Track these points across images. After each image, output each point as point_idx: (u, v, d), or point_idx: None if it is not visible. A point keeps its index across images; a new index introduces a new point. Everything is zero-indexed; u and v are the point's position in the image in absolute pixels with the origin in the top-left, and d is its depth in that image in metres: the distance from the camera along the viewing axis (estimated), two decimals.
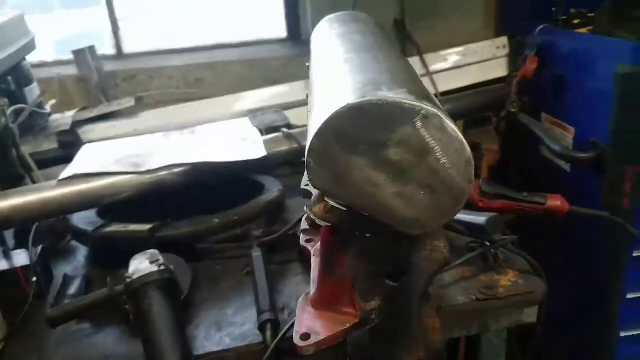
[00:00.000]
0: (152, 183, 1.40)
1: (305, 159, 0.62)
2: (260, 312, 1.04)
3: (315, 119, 0.66)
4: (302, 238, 1.16)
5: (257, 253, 1.27)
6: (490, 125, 1.83)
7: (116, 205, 1.39)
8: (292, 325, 0.82)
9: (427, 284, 0.83)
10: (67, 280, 1.27)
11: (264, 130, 1.71)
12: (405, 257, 0.73)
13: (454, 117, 1.83)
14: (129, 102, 1.94)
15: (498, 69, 1.89)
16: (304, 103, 1.94)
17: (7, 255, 1.28)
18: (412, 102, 0.60)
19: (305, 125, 1.80)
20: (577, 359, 1.68)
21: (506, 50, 1.89)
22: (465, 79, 1.90)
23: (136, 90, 2.04)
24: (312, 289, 0.77)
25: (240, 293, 1.20)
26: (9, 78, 1.60)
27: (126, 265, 1.09)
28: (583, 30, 1.74)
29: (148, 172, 1.38)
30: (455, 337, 1.21)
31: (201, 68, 2.05)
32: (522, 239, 1.31)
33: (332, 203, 0.63)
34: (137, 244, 1.17)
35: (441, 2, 2.02)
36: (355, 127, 0.60)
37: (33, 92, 1.71)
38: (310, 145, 0.61)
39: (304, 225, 1.19)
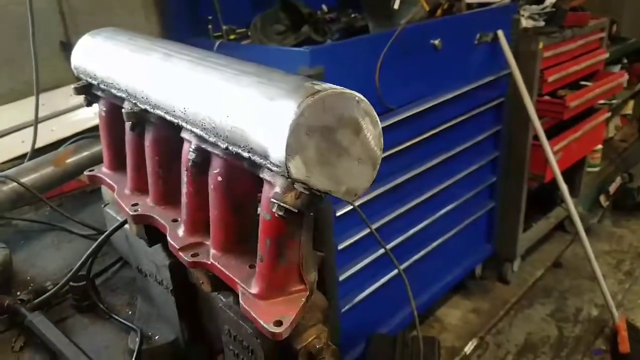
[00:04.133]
0: None
1: (284, 153, 0.66)
2: None
3: (260, 122, 0.70)
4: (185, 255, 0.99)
5: (37, 317, 1.10)
6: None
7: None
8: None
9: None
10: None
11: None
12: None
13: None
14: None
15: None
16: None
17: None
18: (350, 91, 0.71)
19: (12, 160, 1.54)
20: None
21: None
22: None
23: None
24: (253, 288, 0.77)
25: None
26: None
27: None
28: (247, 42, 2.05)
29: None
30: None
31: None
32: None
33: (300, 189, 0.68)
34: None
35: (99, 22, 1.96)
36: (317, 117, 0.68)
37: None
38: (287, 142, 0.65)
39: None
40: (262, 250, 0.77)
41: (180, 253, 0.88)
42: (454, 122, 2.34)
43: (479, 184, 2.70)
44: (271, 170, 0.72)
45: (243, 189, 0.84)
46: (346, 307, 2.04)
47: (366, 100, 0.73)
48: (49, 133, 1.78)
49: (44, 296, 1.17)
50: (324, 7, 2.42)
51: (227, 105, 0.77)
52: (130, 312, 1.22)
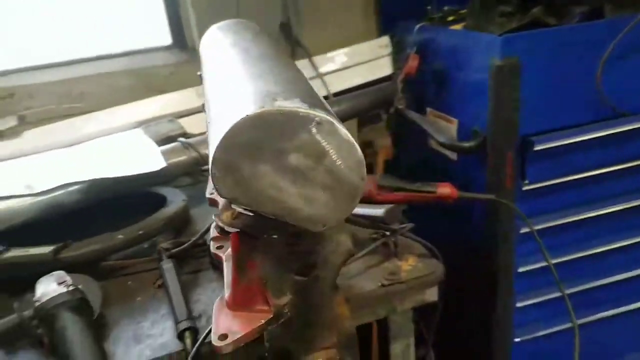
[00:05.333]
0: (49, 203, 1.37)
1: (210, 169, 0.64)
2: (177, 321, 1.05)
3: (215, 130, 0.67)
4: (213, 245, 1.17)
5: (167, 265, 1.27)
6: (381, 122, 1.92)
7: (12, 229, 1.34)
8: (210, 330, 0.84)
9: (335, 275, 0.88)
10: None
11: (160, 141, 1.68)
12: (312, 253, 0.77)
13: (347, 116, 1.93)
14: (10, 122, 1.82)
15: (383, 68, 1.98)
16: (197, 110, 1.92)
17: None
18: (307, 110, 0.63)
19: (203, 133, 1.80)
20: (477, 332, 1.82)
21: (389, 49, 1.99)
22: (354, 79, 1.97)
23: (17, 109, 1.92)
24: (226, 293, 0.79)
25: (155, 306, 1.20)
26: None
27: (31, 289, 1.06)
28: (457, 27, 1.88)
29: (42, 192, 1.34)
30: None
31: (83, 81, 1.96)
32: (419, 225, 1.40)
33: (238, 209, 0.65)
34: (40, 268, 1.16)
35: (322, 4, 2.08)
36: (256, 136, 0.63)
37: None
38: (213, 157, 0.63)
39: (213, 232, 1.20)
40: None
41: None
42: None
43: None
44: None
45: None
46: (520, 339, 1.78)
47: (334, 123, 0.64)
48: None
49: (179, 248, 1.33)
50: None
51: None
52: None
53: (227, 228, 0.66)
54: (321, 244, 0.86)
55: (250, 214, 0.65)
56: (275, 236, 0.71)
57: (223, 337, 0.74)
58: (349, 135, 0.65)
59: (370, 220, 1.32)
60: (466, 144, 1.62)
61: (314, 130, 0.63)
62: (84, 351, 0.97)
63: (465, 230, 1.78)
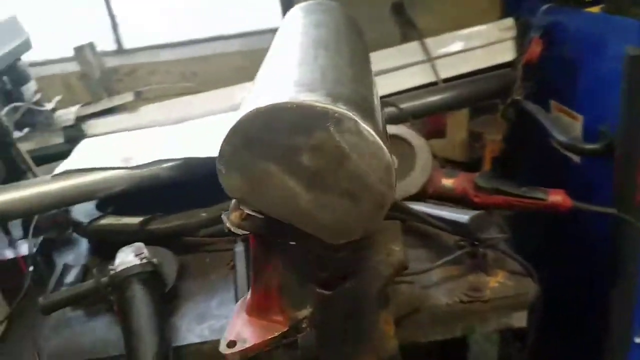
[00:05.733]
0: (144, 177, 1.41)
1: (219, 165, 0.58)
2: None
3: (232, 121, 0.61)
4: None
5: (239, 248, 1.27)
6: (496, 113, 1.73)
7: (113, 198, 1.42)
8: None
9: (382, 288, 0.79)
10: (66, 269, 1.35)
11: None
12: (346, 263, 0.68)
13: (458, 104, 1.76)
14: (128, 97, 1.93)
15: (504, 53, 1.77)
16: None
17: (12, 245, 1.39)
18: (325, 105, 0.54)
19: None
20: None
21: (512, 33, 1.77)
22: (469, 64, 1.79)
23: (137, 85, 2.03)
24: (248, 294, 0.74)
25: (226, 286, 1.21)
26: (5, 78, 1.63)
27: None
28: (595, 9, 1.62)
29: (138, 167, 1.39)
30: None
31: (199, 61, 2.02)
32: (516, 236, 1.23)
33: (247, 211, 0.58)
34: (129, 236, 1.23)
35: None
36: (266, 131, 0.55)
37: (30, 90, 1.73)
38: (220, 151, 0.56)
39: None
40: None
41: None
42: None
43: None
44: None
45: None
46: None
47: (357, 121, 0.54)
48: None
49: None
50: None
51: None
52: None
53: (234, 229, 0.60)
54: (369, 251, 0.76)
55: (261, 216, 0.58)
56: (291, 243, 0.63)
57: (232, 344, 0.68)
58: (376, 135, 0.55)
59: (452, 226, 1.18)
60: (589, 146, 1.39)
61: (332, 128, 0.54)
62: (143, 323, 1.00)
63: (574, 250, 1.53)
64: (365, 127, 0.54)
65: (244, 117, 0.55)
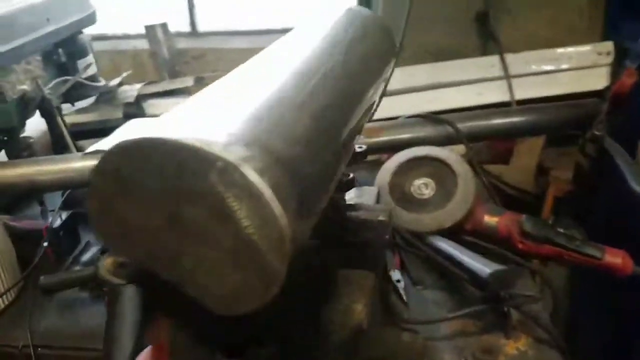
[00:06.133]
0: None
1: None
2: None
3: None
4: None
5: None
6: (571, 147, 1.49)
7: None
8: None
9: (335, 354, 0.66)
10: (87, 246, 1.35)
11: None
12: (266, 324, 0.56)
13: (529, 131, 1.55)
14: (188, 82, 1.91)
15: (596, 80, 1.52)
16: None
17: (44, 216, 1.38)
18: (209, 148, 0.43)
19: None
20: None
21: (610, 58, 1.52)
22: (553, 87, 1.56)
23: (205, 69, 2.01)
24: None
25: None
26: (60, 50, 1.64)
27: None
28: None
29: None
30: None
31: None
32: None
33: (117, 258, 0.49)
34: None
35: None
36: (137, 171, 0.45)
37: (85, 64, 1.75)
38: (90, 182, 0.47)
39: None
40: None
41: None
42: None
43: None
44: None
45: None
46: None
47: (246, 175, 0.42)
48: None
49: None
50: None
51: None
52: None
53: (106, 279, 0.50)
54: (312, 307, 0.64)
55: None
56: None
57: None
58: (272, 195, 0.43)
59: (470, 276, 1.01)
60: None
61: (214, 178, 0.43)
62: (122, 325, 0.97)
63: (624, 323, 1.28)
64: (257, 182, 0.42)
65: (114, 148, 0.45)
